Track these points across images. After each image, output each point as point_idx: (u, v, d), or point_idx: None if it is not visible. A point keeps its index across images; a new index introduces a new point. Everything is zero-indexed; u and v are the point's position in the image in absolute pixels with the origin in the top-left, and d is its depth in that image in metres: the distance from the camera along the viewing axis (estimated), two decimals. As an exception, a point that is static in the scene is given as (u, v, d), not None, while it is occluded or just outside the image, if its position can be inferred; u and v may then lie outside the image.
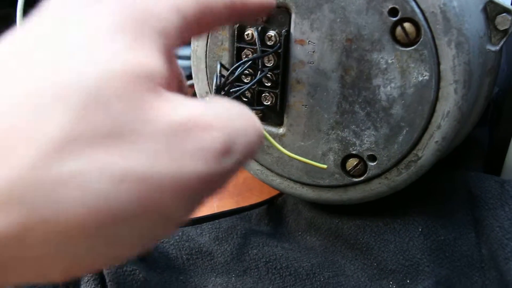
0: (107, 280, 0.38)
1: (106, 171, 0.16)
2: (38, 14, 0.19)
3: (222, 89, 0.36)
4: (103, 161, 0.16)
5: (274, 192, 0.49)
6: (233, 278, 0.41)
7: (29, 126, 0.15)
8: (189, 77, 0.69)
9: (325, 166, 0.39)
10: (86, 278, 0.38)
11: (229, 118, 0.19)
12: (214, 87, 0.36)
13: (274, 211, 0.48)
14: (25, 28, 0.18)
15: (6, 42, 0.18)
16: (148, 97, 0.17)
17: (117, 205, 0.16)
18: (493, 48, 0.39)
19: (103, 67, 0.17)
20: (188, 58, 0.71)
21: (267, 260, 0.42)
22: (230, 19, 0.23)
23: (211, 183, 0.18)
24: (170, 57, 0.20)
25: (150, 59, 0.18)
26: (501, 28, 0.39)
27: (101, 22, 0.18)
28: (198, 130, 0.18)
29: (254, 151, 0.20)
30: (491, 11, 0.39)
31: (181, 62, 0.70)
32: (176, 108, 0.18)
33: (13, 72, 0.17)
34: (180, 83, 0.27)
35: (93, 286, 0.38)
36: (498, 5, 0.39)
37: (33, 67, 0.17)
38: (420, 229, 0.40)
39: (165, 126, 0.17)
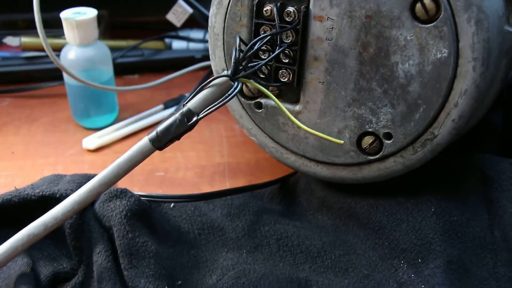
0: (119, 251, 0.38)
1: None
2: None
3: (240, 63, 0.37)
4: None
5: (287, 173, 0.50)
6: (244, 253, 0.41)
7: None
8: (203, 59, 0.69)
9: (342, 141, 0.39)
10: (98, 249, 0.39)
11: None
12: (232, 61, 0.36)
13: (286, 190, 0.48)
14: None
15: None
16: None
17: None
18: (511, 29, 0.39)
19: None
20: (200, 41, 0.71)
21: (278, 237, 0.42)
22: None
23: None
24: None
25: None
26: (520, 10, 0.39)
27: None
28: None
29: None
30: (510, -8, 0.39)
31: (193, 45, 0.71)
32: None
33: None
34: None
35: (104, 257, 0.38)
36: (517, -14, 0.39)
37: None
38: (433, 209, 0.40)
39: None
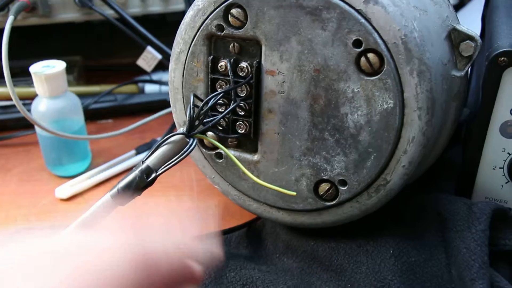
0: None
1: None
2: None
3: (196, 119, 0.38)
4: None
5: (254, 216, 0.51)
6: (211, 301, 0.42)
7: None
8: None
9: (294, 193, 0.40)
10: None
11: None
12: (187, 118, 0.37)
13: (253, 234, 0.49)
14: None
15: None
16: None
17: None
18: (458, 74, 0.41)
19: None
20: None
21: (244, 283, 0.43)
22: None
23: None
24: None
25: None
26: (466, 55, 0.41)
27: None
28: None
29: None
30: (455, 39, 0.41)
31: (165, 88, 0.72)
32: None
33: None
34: None
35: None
36: (461, 32, 0.40)
37: None
38: (391, 251, 0.42)
39: None
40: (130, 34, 0.65)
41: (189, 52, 0.42)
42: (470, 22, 0.50)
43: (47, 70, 0.54)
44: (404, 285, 0.40)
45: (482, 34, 0.51)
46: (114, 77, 0.77)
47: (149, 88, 0.73)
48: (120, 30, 0.65)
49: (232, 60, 0.40)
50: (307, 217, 0.43)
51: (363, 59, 0.37)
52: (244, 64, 0.40)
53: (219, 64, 0.41)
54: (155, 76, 0.75)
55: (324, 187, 0.41)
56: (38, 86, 0.55)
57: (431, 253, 0.42)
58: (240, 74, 0.40)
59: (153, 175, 0.37)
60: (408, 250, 0.42)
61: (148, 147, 0.62)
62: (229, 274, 0.44)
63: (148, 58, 0.66)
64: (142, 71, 0.74)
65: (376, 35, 0.36)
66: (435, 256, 0.42)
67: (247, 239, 0.48)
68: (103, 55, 0.82)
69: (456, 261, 0.40)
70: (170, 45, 0.68)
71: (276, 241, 0.47)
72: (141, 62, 0.67)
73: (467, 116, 0.51)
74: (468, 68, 0.42)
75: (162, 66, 0.72)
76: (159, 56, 0.67)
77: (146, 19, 0.71)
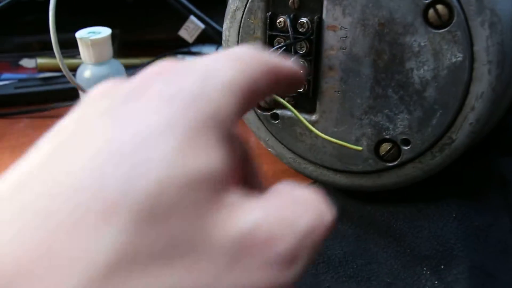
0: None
1: None
2: (75, 113, 0.17)
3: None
4: (161, 285, 0.14)
5: (305, 183, 0.50)
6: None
7: (70, 249, 0.14)
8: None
9: (360, 148, 0.39)
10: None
11: (294, 221, 0.16)
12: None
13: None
14: (55, 134, 0.17)
15: (42, 142, 0.16)
16: (206, 205, 0.15)
17: None
18: (525, 32, 0.39)
19: (154, 177, 0.15)
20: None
21: (299, 247, 0.42)
22: (270, 92, 0.21)
23: None
24: (231, 138, 0.18)
25: (209, 157, 0.16)
26: (534, 11, 0.39)
27: (145, 122, 0.16)
28: (261, 243, 0.16)
29: (321, 245, 0.17)
30: (523, -6, 0.39)
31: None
32: (236, 216, 0.16)
33: (45, 183, 0.15)
34: (245, 155, 0.22)
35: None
36: (530, -12, 0.39)
37: (70, 176, 0.15)
38: (454, 215, 0.40)
39: (226, 241, 0.15)
40: (172, 3, 0.64)
41: (246, 9, 0.41)
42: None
43: (93, 36, 0.53)
44: (468, 249, 0.39)
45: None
46: (153, 51, 0.76)
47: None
48: (159, 4, 0.64)
49: (291, 16, 0.39)
50: (366, 179, 0.42)
51: (431, 11, 0.35)
52: (304, 20, 0.39)
53: (278, 21, 0.40)
54: (194, 49, 0.74)
55: (385, 147, 0.40)
56: (84, 52, 0.54)
57: (495, 217, 0.41)
58: (300, 30, 0.39)
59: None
60: (471, 214, 0.40)
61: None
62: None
63: (191, 28, 0.65)
64: (181, 46, 0.73)
65: (446, -15, 0.35)
66: (499, 221, 0.40)
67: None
68: (141, 31, 0.81)
69: (522, 224, 0.39)
70: (211, 16, 0.68)
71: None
72: (183, 32, 0.66)
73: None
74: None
75: (202, 39, 0.71)
76: (201, 26, 0.66)
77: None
